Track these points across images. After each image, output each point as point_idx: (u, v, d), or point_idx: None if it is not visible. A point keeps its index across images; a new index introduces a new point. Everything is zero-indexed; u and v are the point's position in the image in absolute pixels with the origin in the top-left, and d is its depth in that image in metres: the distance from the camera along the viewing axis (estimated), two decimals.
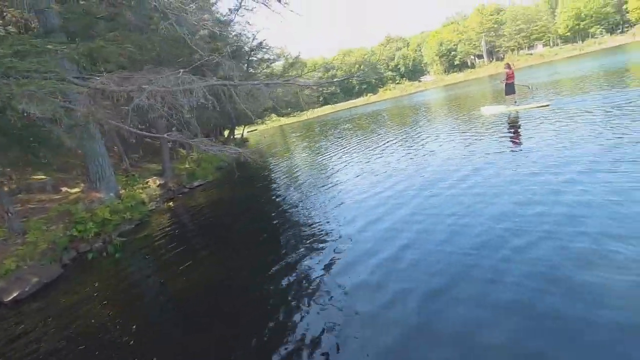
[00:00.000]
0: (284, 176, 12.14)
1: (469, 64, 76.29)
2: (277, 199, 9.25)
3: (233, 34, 18.90)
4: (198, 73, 6.70)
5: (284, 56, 22.83)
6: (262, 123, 41.68)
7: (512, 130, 9.58)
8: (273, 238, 6.27)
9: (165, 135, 6.57)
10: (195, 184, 13.66)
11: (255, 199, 10.07)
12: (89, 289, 5.77)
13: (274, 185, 11.23)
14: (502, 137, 9.00)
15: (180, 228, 8.50)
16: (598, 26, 63.18)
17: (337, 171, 10.21)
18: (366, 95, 79.43)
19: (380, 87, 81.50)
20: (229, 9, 17.56)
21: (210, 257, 6.13)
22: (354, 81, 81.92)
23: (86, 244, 7.78)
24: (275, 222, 7.19)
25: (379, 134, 16.06)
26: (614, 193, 4.47)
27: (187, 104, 5.37)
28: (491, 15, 71.25)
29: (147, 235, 8.26)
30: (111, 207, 8.72)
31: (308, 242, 5.54)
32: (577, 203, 4.47)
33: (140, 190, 11.07)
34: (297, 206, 7.78)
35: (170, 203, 11.51)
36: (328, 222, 6.15)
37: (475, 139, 9.38)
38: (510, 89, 12.44)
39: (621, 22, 65.45)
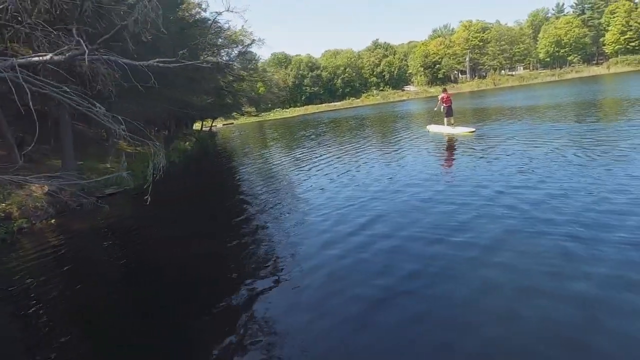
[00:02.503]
0: (243, 183, 10.82)
1: (452, 78, 77.20)
2: (222, 224, 7.13)
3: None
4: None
5: (243, 39, 18.15)
6: (234, 118, 39.87)
7: (444, 151, 11.00)
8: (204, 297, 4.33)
9: None
10: (108, 192, 10.03)
11: (186, 220, 7.53)
12: None
13: (224, 199, 9.53)
14: (436, 156, 10.32)
15: (40, 268, 5.76)
16: (575, 55, 65.48)
17: (295, 182, 9.57)
18: (349, 99, 78.77)
19: (364, 92, 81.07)
20: None
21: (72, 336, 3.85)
22: (339, 83, 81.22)
23: None
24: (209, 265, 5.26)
25: (348, 142, 16.32)
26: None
27: None
28: (477, 32, 72.31)
29: None
30: None
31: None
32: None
33: (3, 204, 7.83)
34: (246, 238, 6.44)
35: (53, 220, 8.35)
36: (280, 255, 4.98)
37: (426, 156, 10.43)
38: (449, 112, 13.85)
39: (596, 54, 68.36)
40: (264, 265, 4.83)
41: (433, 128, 14.91)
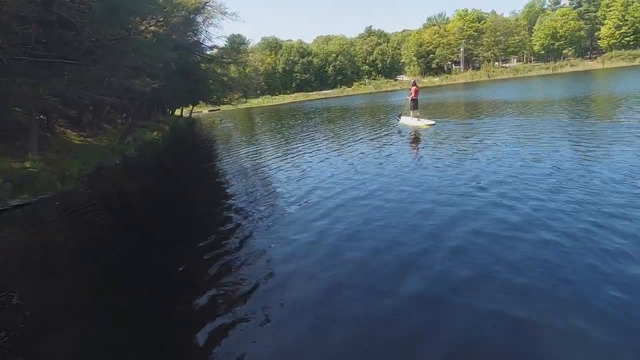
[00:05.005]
0: (212, 182, 9.39)
1: (445, 68, 75.79)
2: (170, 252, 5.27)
3: None
4: None
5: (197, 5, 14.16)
6: (221, 104, 37.57)
7: (411, 142, 11.23)
8: None
9: None
10: (14, 202, 7.30)
11: (131, 239, 5.74)
12: None
13: (184, 204, 7.68)
14: (404, 147, 10.51)
15: None
16: (570, 48, 64.52)
17: (271, 176, 8.69)
18: (340, 87, 76.84)
19: (356, 81, 79.16)
20: None
21: None
22: (330, 71, 79.19)
23: None
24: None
25: (332, 134, 15.60)
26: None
27: None
28: (472, 22, 70.67)
29: None
30: None
31: None
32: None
33: None
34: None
35: None
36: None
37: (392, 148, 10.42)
38: (415, 104, 14.10)
39: (590, 48, 67.53)
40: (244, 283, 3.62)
41: (404, 120, 15.33)
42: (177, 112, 37.58)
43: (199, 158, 13.81)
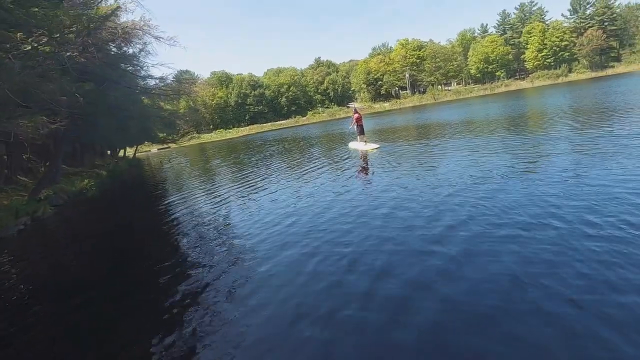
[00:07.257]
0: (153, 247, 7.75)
1: (394, 94, 79.25)
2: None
3: None
4: None
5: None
6: (167, 142, 35.23)
7: (362, 165, 11.44)
8: None
9: None
10: None
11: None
12: None
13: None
14: (354, 171, 10.60)
15: None
16: (502, 70, 70.57)
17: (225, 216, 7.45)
18: (295, 117, 77.23)
19: (310, 110, 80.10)
20: None
21: None
22: (283, 102, 79.55)
23: None
24: None
25: (283, 166, 14.55)
26: None
27: None
28: (414, 50, 75.30)
29: None
30: None
31: None
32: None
33: None
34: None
35: None
36: None
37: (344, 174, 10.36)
38: (360, 130, 14.64)
39: (518, 70, 74.42)
40: None
41: (353, 145, 15.87)
42: (122, 152, 34.75)
43: (138, 211, 11.42)
